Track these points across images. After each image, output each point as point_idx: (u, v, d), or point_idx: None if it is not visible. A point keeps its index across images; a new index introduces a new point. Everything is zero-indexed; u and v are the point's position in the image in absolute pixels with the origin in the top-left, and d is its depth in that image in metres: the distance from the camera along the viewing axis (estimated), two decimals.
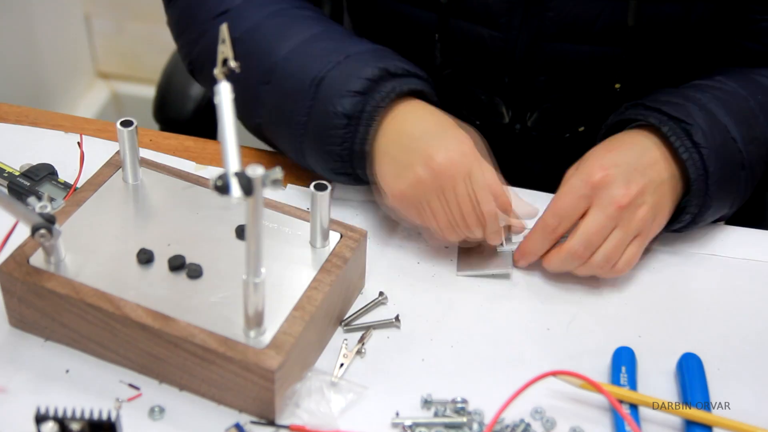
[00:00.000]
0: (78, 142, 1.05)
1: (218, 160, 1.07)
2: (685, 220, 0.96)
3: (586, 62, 1.04)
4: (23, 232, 0.85)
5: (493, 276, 0.96)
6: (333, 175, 0.97)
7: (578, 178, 0.93)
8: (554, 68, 1.06)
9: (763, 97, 1.00)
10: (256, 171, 0.70)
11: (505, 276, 0.96)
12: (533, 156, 1.15)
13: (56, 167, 1.02)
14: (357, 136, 0.94)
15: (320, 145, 0.95)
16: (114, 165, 0.95)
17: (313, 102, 0.95)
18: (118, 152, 0.94)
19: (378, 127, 0.94)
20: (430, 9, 1.05)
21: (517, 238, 0.96)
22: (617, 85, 1.06)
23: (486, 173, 0.91)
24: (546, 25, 1.02)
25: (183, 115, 1.37)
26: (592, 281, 0.96)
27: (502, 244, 0.95)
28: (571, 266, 0.93)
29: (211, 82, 0.78)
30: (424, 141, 0.92)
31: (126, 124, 0.90)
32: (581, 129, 1.12)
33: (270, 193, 1.01)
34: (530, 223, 0.95)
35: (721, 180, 0.94)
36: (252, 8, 1.02)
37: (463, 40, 1.06)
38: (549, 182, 1.04)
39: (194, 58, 1.07)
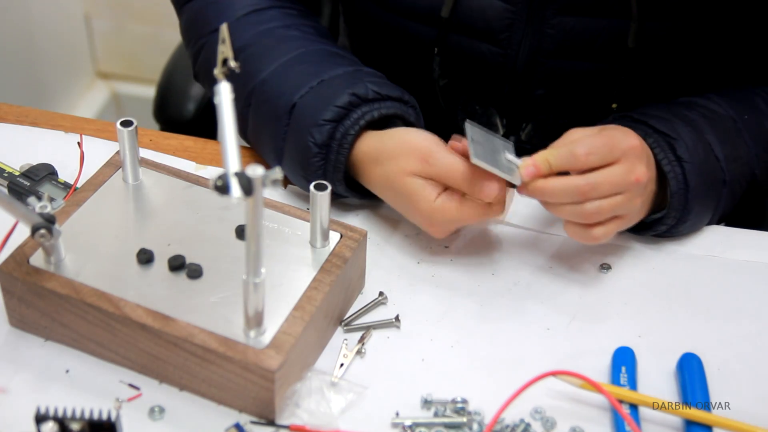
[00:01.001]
0: (78, 142, 1.05)
1: (218, 160, 1.07)
2: (660, 230, 0.97)
3: (586, 78, 1.05)
4: (23, 232, 0.85)
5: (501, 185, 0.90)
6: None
7: (620, 133, 0.91)
8: (553, 83, 1.06)
9: (750, 117, 1.00)
10: (256, 171, 0.70)
11: (513, 184, 0.90)
12: None
13: (56, 167, 1.02)
14: (329, 165, 0.95)
15: (297, 169, 0.97)
16: (114, 165, 0.95)
17: (287, 128, 0.96)
18: (118, 152, 0.94)
19: (351, 153, 0.95)
20: (430, 24, 1.05)
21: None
22: (614, 105, 1.06)
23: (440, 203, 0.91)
24: (546, 42, 1.02)
25: (183, 115, 1.37)
26: (592, 280, 0.96)
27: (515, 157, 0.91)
28: (565, 198, 0.89)
29: (212, 86, 0.79)
30: (386, 193, 0.95)
31: (126, 124, 0.90)
32: None
33: (270, 193, 1.01)
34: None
35: (701, 195, 0.95)
36: (244, 26, 1.03)
37: (462, 54, 1.05)
38: None
39: (197, 69, 1.09)
